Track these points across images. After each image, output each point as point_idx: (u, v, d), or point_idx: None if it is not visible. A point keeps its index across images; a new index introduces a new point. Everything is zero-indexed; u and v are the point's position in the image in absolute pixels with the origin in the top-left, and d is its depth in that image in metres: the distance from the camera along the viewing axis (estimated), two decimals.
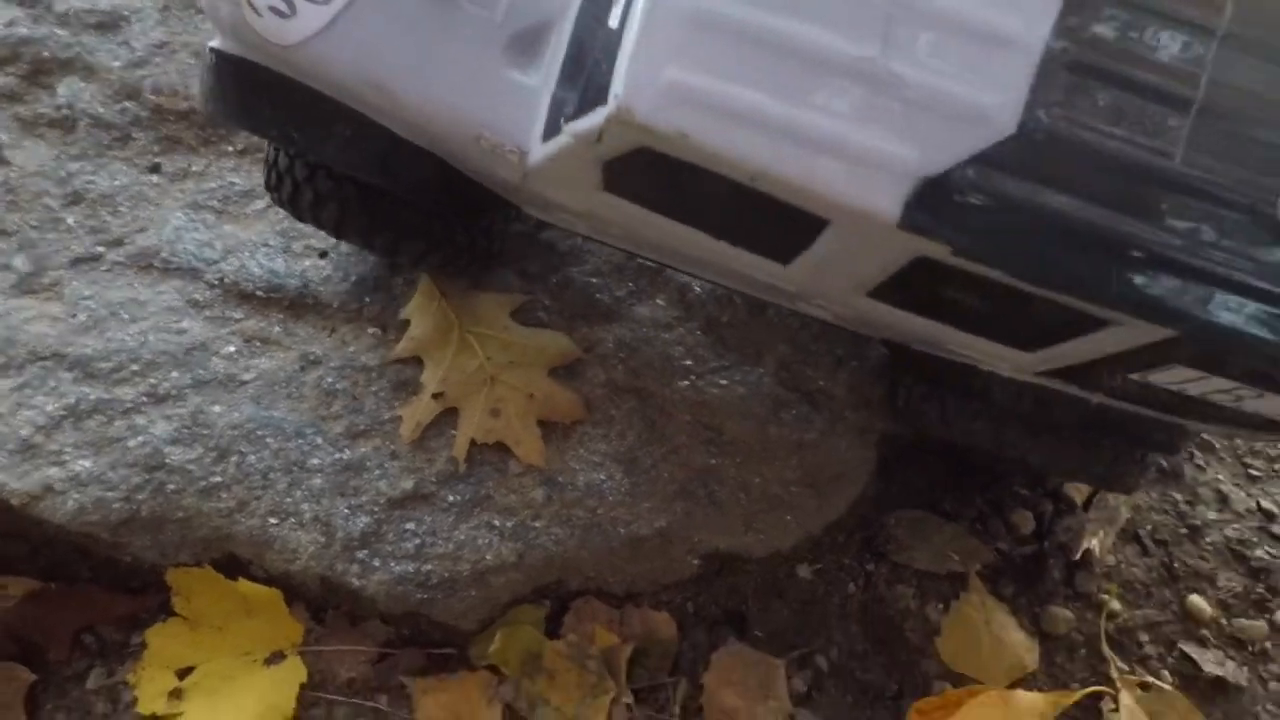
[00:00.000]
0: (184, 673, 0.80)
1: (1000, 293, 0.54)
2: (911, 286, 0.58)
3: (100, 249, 0.95)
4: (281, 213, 0.92)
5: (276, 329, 0.89)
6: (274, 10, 0.64)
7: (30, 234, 0.95)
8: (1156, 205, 0.50)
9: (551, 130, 0.60)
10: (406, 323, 0.87)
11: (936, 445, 0.87)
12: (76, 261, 0.94)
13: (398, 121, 0.66)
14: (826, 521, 0.86)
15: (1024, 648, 0.84)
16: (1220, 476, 0.98)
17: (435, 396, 0.83)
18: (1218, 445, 1.03)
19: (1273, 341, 0.50)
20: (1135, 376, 0.61)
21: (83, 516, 0.78)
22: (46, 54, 1.08)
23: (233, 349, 0.87)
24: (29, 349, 0.87)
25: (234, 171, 1.02)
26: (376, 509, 0.79)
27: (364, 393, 0.85)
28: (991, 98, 0.49)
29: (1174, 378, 0.59)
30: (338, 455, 0.81)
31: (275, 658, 0.80)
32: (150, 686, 0.79)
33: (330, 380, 0.85)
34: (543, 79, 0.64)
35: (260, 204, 0.97)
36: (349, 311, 0.90)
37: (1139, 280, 0.50)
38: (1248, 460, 0.99)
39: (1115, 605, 0.88)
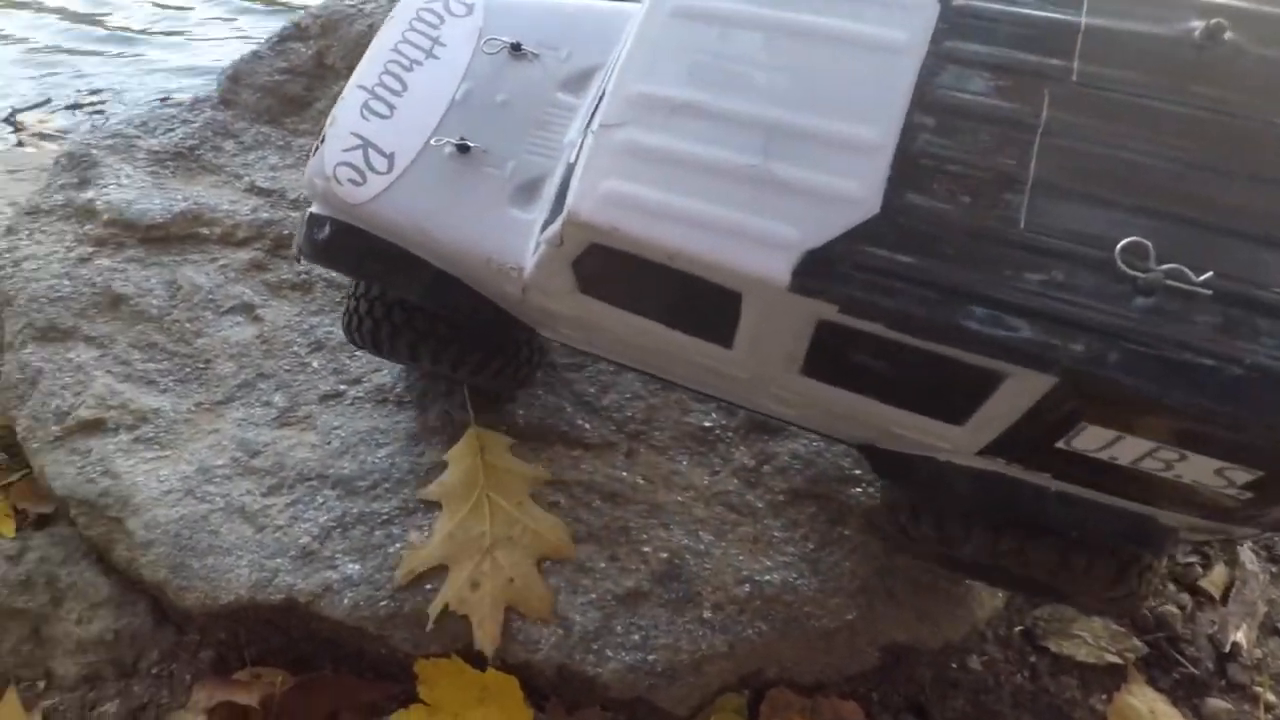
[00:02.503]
0: None
1: (898, 355, 0.62)
2: (828, 356, 0.67)
3: (343, 387, 1.13)
4: None
5: None
6: (351, 180, 0.85)
7: (284, 376, 1.15)
8: (1008, 262, 0.58)
9: (537, 246, 0.77)
10: (445, 465, 0.98)
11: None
12: (324, 398, 1.12)
13: (434, 255, 0.84)
14: (990, 614, 0.96)
15: None
16: None
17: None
18: None
19: (1139, 385, 0.55)
20: (1061, 445, 0.65)
21: (356, 612, 0.92)
22: (285, 231, 1.32)
23: None
24: (296, 471, 1.03)
25: None
26: (606, 605, 0.91)
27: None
28: (856, 187, 0.62)
29: (1094, 441, 0.63)
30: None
31: None
32: None
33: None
34: (539, 214, 0.81)
35: None
36: None
37: (999, 326, 0.58)
38: None
39: (1270, 697, 0.95)
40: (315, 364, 1.16)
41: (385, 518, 0.98)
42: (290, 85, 1.45)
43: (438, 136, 0.85)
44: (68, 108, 3.54)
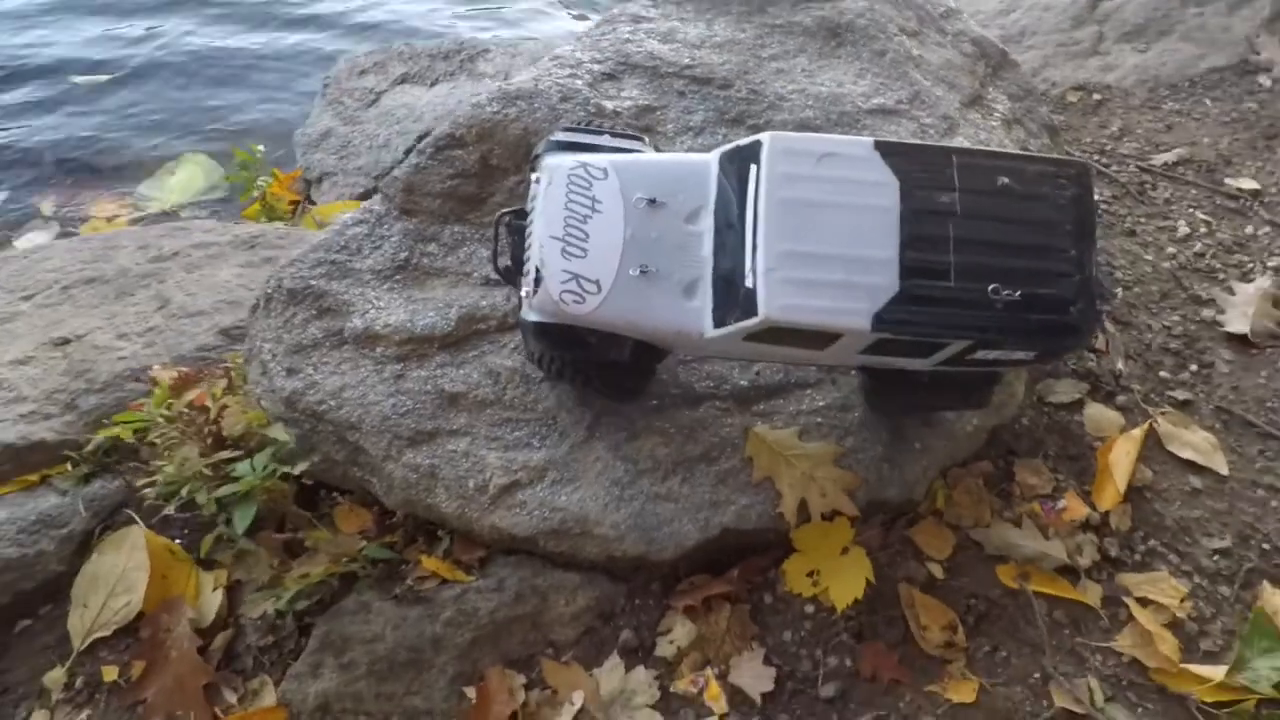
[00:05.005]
0: (812, 572, 1.64)
1: (910, 341, 1.28)
2: (879, 348, 1.30)
3: (654, 401, 1.69)
4: None
5: None
6: (575, 302, 1.34)
7: (611, 407, 1.67)
8: (948, 297, 1.26)
9: (720, 324, 1.31)
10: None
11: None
12: (646, 412, 1.68)
13: (636, 334, 1.38)
14: (1021, 398, 1.86)
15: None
16: None
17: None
18: None
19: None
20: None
21: (760, 523, 1.57)
22: None
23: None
24: (670, 462, 1.61)
25: None
26: (873, 464, 1.67)
27: None
28: (888, 281, 1.24)
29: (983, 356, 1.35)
30: None
31: (845, 550, 1.66)
32: (796, 578, 1.63)
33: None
34: (701, 302, 1.34)
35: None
36: None
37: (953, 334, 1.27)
38: None
39: (1138, 387, 1.97)
40: None
41: (742, 468, 1.63)
42: (464, 187, 1.78)
43: (632, 268, 1.39)
44: None
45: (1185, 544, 1.70)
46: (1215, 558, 1.68)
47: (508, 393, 1.65)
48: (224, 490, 1.56)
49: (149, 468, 1.63)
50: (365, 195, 2.95)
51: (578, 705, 1.51)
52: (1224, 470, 1.80)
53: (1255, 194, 2.37)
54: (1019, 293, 1.30)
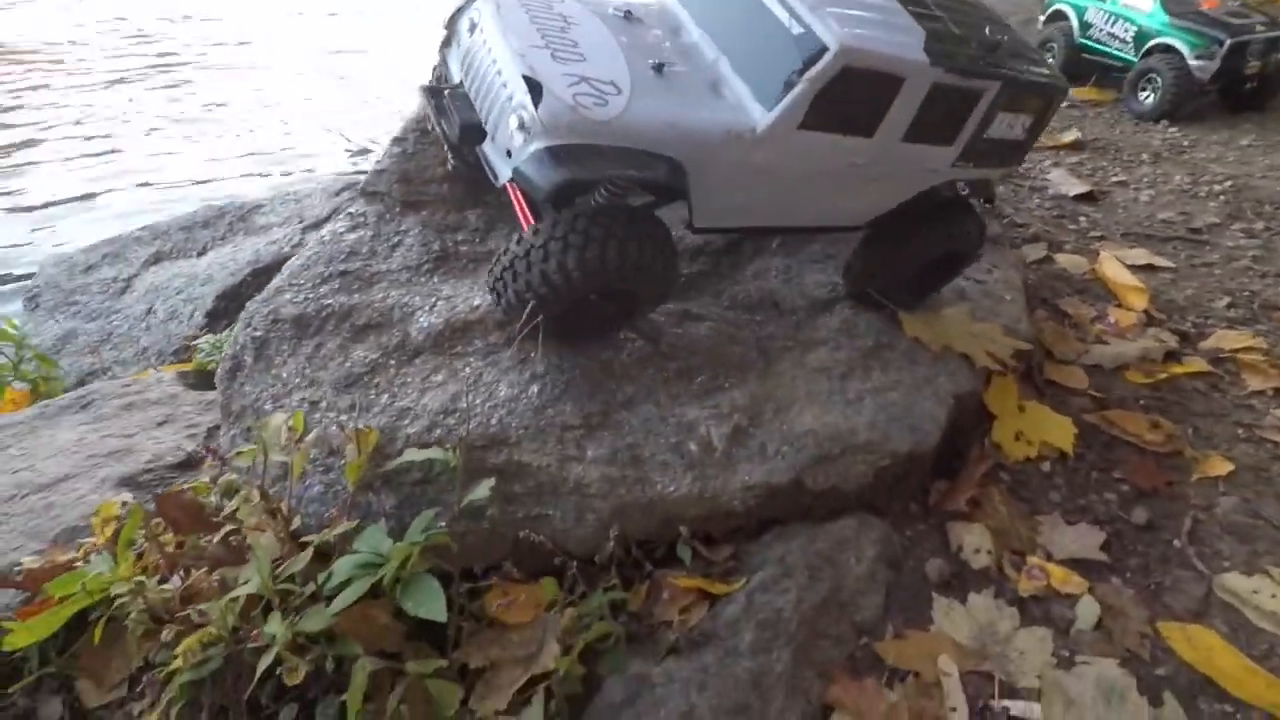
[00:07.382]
0: (1018, 435, 1.47)
1: (950, 95, 1.11)
2: (918, 125, 1.11)
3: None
4: None
5: None
6: (596, 104, 1.00)
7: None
8: (958, 43, 1.12)
9: (778, 99, 1.05)
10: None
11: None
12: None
13: (677, 142, 1.02)
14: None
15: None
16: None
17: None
18: None
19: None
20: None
21: (971, 384, 1.39)
22: None
23: None
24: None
25: None
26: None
27: None
28: (913, 38, 1.09)
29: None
30: None
31: (1021, 409, 1.54)
32: (1009, 444, 1.44)
33: None
34: (735, 97, 1.09)
35: None
36: None
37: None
38: None
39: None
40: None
41: (915, 347, 1.44)
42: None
43: (645, 65, 1.07)
44: None
45: (1207, 311, 1.92)
46: (1230, 310, 1.92)
47: (661, 342, 1.26)
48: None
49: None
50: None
51: (954, 673, 1.09)
52: (1172, 264, 2.11)
53: None
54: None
